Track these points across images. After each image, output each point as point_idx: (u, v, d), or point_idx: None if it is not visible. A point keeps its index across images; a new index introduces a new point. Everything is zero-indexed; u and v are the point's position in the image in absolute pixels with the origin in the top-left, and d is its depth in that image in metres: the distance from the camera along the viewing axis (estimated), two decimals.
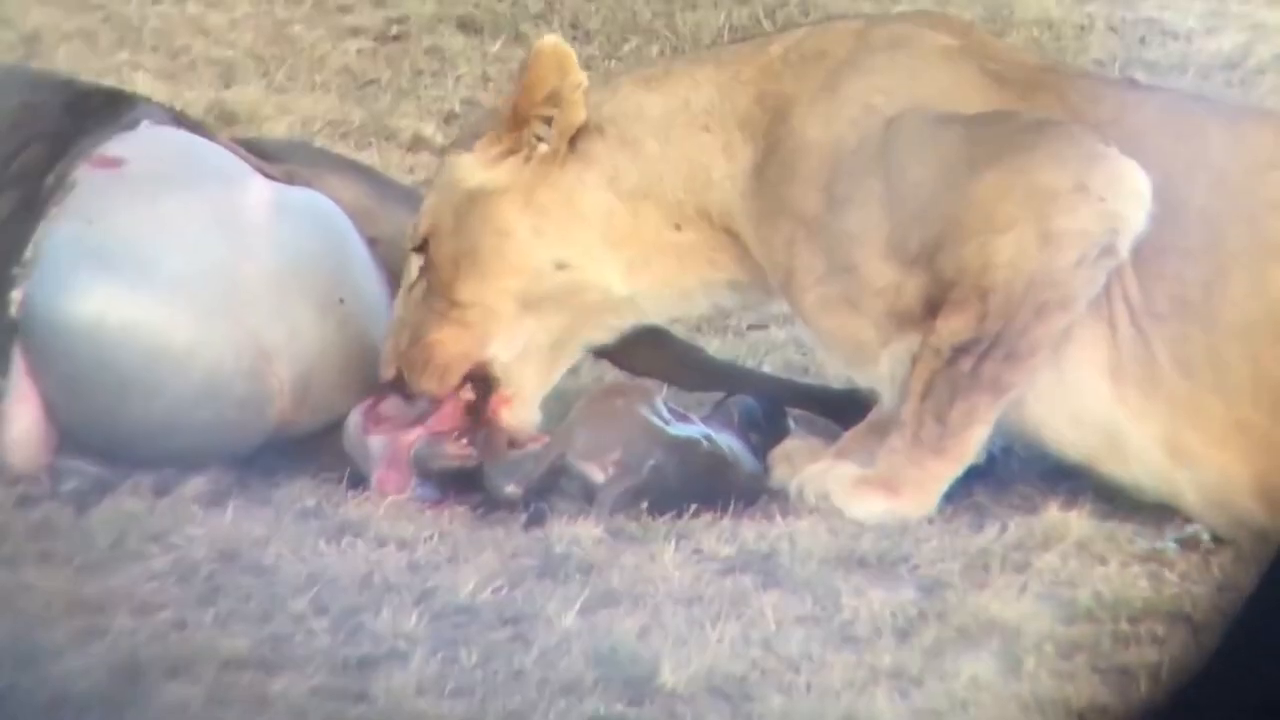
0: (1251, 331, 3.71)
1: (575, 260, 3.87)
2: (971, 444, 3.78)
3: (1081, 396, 3.76)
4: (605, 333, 3.97)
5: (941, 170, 3.76)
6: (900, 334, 3.79)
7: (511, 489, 3.80)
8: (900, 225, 3.77)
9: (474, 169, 3.89)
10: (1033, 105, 3.82)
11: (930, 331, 3.75)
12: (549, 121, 3.87)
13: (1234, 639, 3.03)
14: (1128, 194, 3.72)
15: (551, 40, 3.87)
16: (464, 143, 3.96)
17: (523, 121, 3.87)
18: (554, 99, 3.85)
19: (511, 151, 3.88)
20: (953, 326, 3.74)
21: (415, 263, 3.92)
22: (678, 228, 3.89)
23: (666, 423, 3.85)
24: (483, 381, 3.89)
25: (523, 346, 3.89)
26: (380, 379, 3.90)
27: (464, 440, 3.86)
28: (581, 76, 3.86)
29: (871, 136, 3.80)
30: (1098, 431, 3.77)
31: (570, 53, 3.86)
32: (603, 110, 3.89)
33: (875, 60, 3.86)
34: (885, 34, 3.93)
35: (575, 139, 3.88)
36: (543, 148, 3.87)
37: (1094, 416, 3.76)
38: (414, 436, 3.86)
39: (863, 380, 3.90)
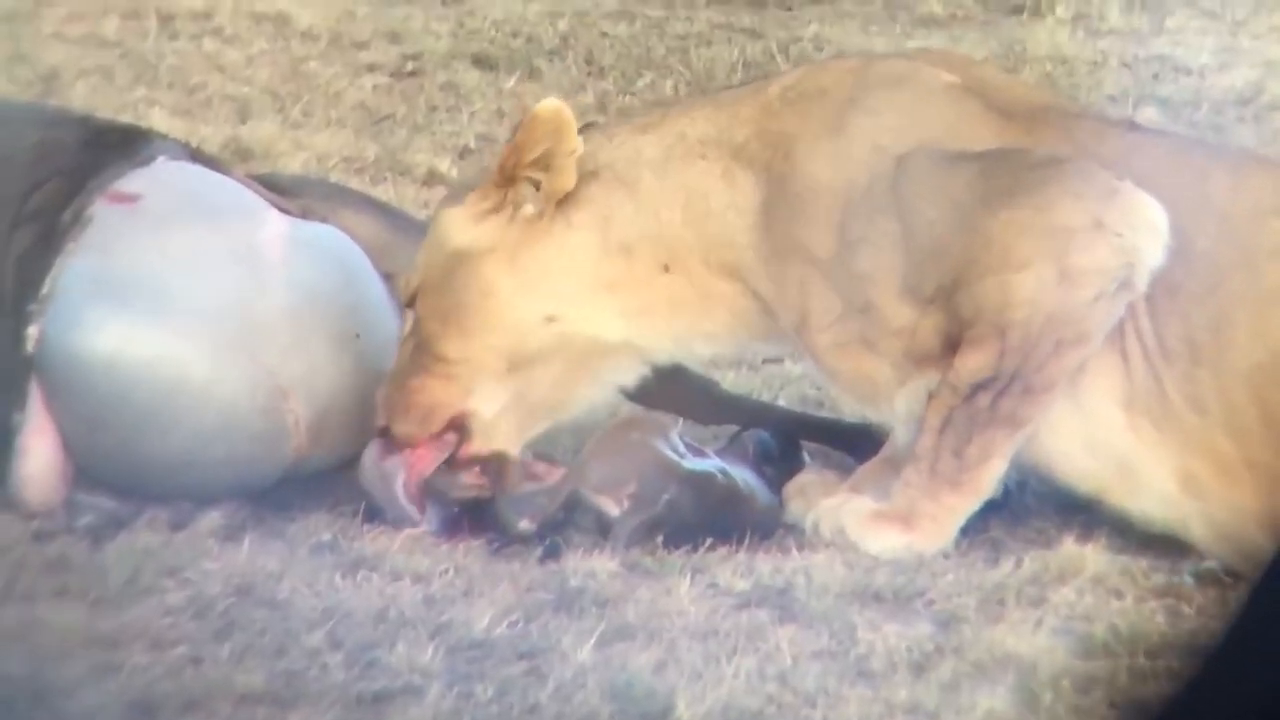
0: (1258, 375, 3.73)
1: (564, 313, 3.85)
2: (988, 479, 3.78)
3: (1095, 426, 3.77)
4: (602, 388, 3.94)
5: (955, 209, 3.76)
6: (917, 373, 3.79)
7: (525, 525, 3.80)
8: (916, 265, 3.77)
9: (461, 226, 3.87)
10: (1038, 142, 3.82)
11: (948, 369, 3.75)
12: (538, 183, 3.85)
13: (1229, 655, 3.02)
14: (1145, 229, 3.73)
15: (552, 105, 3.84)
16: (456, 197, 3.94)
17: (510, 181, 3.86)
18: (544, 162, 3.83)
19: (498, 209, 3.87)
20: (971, 365, 3.74)
21: (409, 317, 3.92)
22: (666, 269, 3.88)
23: (682, 456, 3.85)
24: (462, 430, 3.87)
25: (505, 402, 3.87)
26: (377, 426, 3.89)
27: (477, 469, 3.87)
28: (577, 143, 3.83)
29: (882, 176, 3.80)
30: (1111, 461, 3.77)
31: (570, 119, 3.83)
32: (599, 156, 3.88)
33: (879, 98, 3.87)
34: (886, 71, 3.93)
35: (565, 198, 3.86)
36: (529, 209, 3.86)
37: (1108, 446, 3.77)
38: (429, 462, 3.86)
39: (877, 418, 3.90)
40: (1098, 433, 3.76)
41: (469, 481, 3.87)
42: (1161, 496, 3.76)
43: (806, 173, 3.83)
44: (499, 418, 3.87)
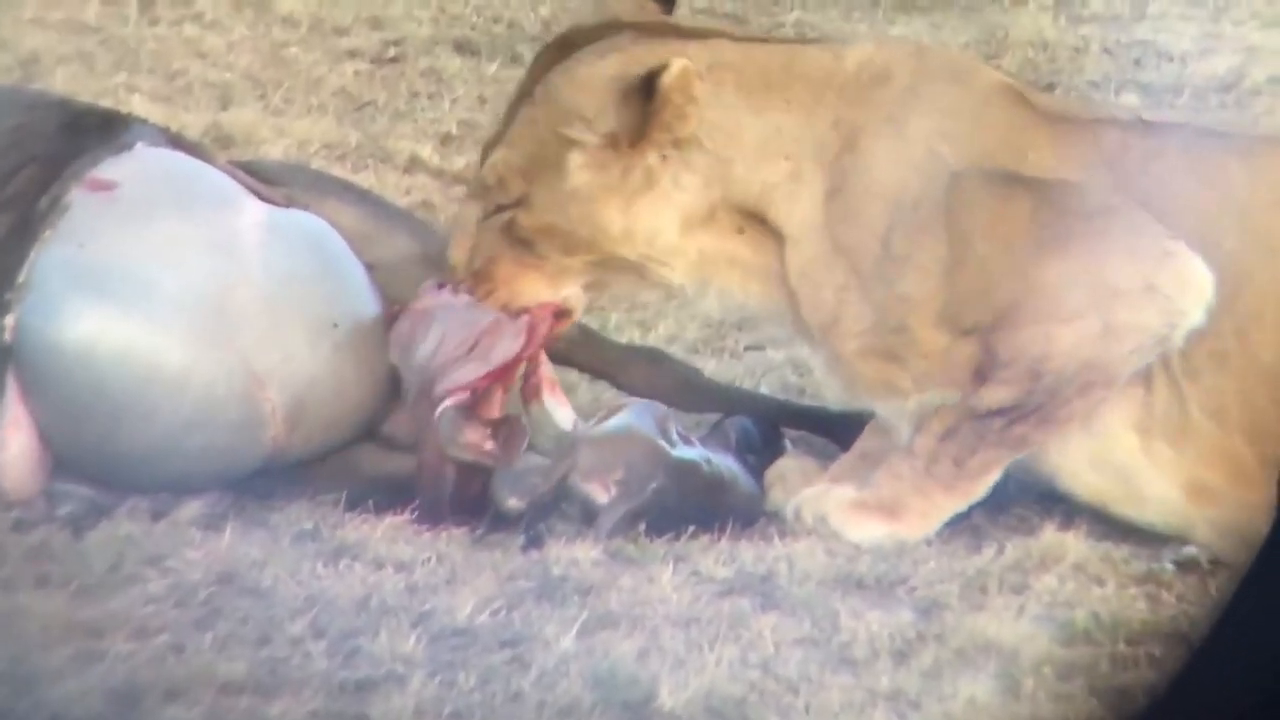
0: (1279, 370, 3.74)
1: (656, 254, 3.90)
2: (983, 487, 3.82)
3: (1106, 447, 3.80)
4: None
5: (1007, 248, 3.77)
6: (938, 389, 3.80)
7: (514, 502, 3.80)
8: (959, 297, 3.78)
9: (582, 172, 3.88)
10: (1080, 151, 3.80)
11: (971, 394, 3.77)
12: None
13: (1219, 646, 3.03)
14: (1193, 293, 3.75)
15: (679, 72, 3.81)
16: (567, 123, 3.88)
17: (645, 142, 3.86)
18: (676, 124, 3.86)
19: (624, 161, 3.87)
20: (998, 398, 3.77)
21: (489, 201, 3.93)
22: (741, 231, 3.90)
23: (672, 445, 3.85)
24: (563, 314, 3.94)
25: (589, 296, 3.97)
26: (450, 274, 3.95)
27: (488, 430, 3.85)
28: (698, 90, 3.85)
29: (934, 189, 3.81)
30: (1117, 478, 3.80)
31: (693, 75, 3.84)
32: (705, 117, 3.87)
33: (938, 93, 3.86)
34: (945, 63, 3.94)
35: (677, 143, 3.87)
36: (652, 159, 3.88)
37: (1116, 465, 3.80)
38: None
39: (884, 414, 3.90)
40: (1107, 453, 3.80)
41: (473, 441, 3.84)
42: (1166, 507, 3.79)
43: (865, 171, 3.83)
44: (579, 302, 3.96)
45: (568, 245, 3.91)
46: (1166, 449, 3.78)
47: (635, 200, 3.89)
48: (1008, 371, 3.76)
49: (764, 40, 4.05)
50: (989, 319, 3.77)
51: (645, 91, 3.82)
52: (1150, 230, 3.75)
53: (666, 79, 3.82)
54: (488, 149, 3.98)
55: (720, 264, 3.92)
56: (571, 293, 3.94)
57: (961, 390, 3.79)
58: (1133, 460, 3.79)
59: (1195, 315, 3.75)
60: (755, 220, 3.90)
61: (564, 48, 3.97)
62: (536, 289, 3.92)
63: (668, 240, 3.91)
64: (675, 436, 3.87)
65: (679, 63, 3.84)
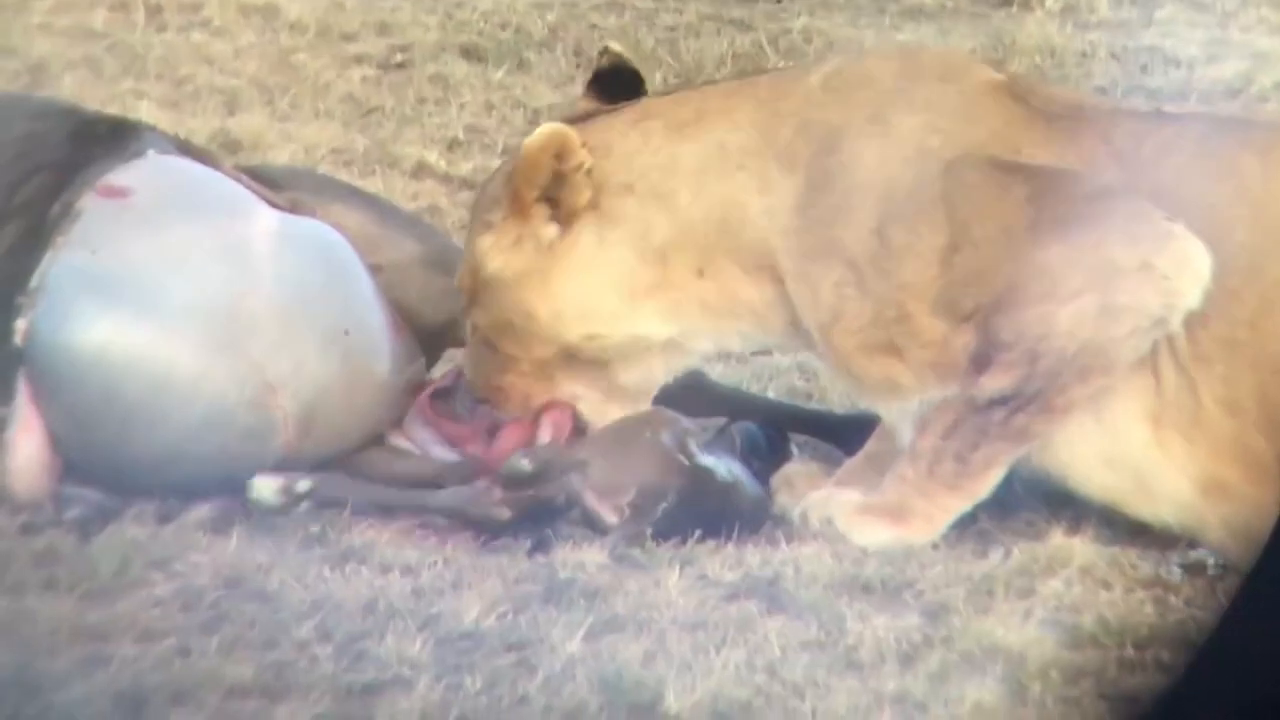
0: None
1: (602, 329, 3.89)
2: (987, 484, 3.80)
3: (1118, 442, 3.78)
4: (676, 370, 3.98)
5: (1005, 231, 3.76)
6: (938, 383, 3.79)
7: (525, 463, 3.79)
8: (956, 282, 3.77)
9: (491, 253, 3.90)
10: (1080, 148, 3.80)
11: (970, 384, 3.76)
12: (555, 202, 3.87)
13: (1221, 647, 3.03)
14: (1190, 274, 3.73)
15: (544, 134, 3.84)
16: (488, 222, 3.92)
17: (525, 210, 3.86)
18: (554, 184, 3.84)
19: (521, 237, 3.88)
20: (998, 385, 3.75)
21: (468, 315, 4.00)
22: (700, 274, 3.88)
23: (690, 455, 3.85)
24: (576, 417, 3.93)
25: (595, 385, 3.92)
26: (475, 399, 3.98)
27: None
28: (584, 157, 3.84)
29: (927, 181, 3.79)
30: (1129, 475, 3.79)
31: (570, 137, 3.83)
32: (634, 165, 3.87)
33: (926, 92, 3.85)
34: (934, 63, 3.93)
35: (603, 196, 3.86)
36: (550, 232, 3.87)
37: (1128, 461, 3.79)
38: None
39: (887, 417, 3.89)
40: (1119, 448, 3.78)
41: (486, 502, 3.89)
42: (1180, 504, 3.78)
43: (851, 170, 3.81)
44: (604, 400, 3.93)
45: (518, 339, 3.89)
46: (1180, 440, 3.76)
47: (551, 277, 3.87)
48: (1008, 355, 3.74)
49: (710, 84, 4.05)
50: (988, 301, 3.75)
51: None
52: (1148, 212, 3.74)
53: (527, 141, 3.83)
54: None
55: (693, 306, 3.87)
56: (575, 392, 3.90)
57: (960, 383, 3.78)
58: (1145, 454, 3.77)
59: (1192, 296, 3.73)
60: (724, 255, 3.86)
61: None
62: (538, 389, 3.92)
63: (609, 310, 3.86)
64: (693, 446, 3.86)
65: (545, 128, 3.85)
